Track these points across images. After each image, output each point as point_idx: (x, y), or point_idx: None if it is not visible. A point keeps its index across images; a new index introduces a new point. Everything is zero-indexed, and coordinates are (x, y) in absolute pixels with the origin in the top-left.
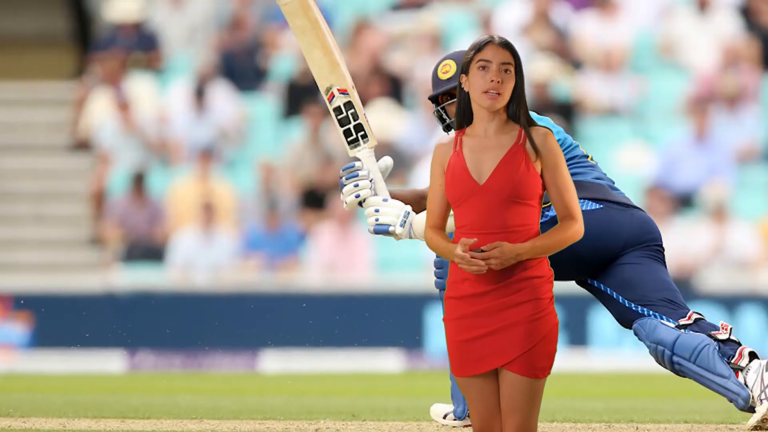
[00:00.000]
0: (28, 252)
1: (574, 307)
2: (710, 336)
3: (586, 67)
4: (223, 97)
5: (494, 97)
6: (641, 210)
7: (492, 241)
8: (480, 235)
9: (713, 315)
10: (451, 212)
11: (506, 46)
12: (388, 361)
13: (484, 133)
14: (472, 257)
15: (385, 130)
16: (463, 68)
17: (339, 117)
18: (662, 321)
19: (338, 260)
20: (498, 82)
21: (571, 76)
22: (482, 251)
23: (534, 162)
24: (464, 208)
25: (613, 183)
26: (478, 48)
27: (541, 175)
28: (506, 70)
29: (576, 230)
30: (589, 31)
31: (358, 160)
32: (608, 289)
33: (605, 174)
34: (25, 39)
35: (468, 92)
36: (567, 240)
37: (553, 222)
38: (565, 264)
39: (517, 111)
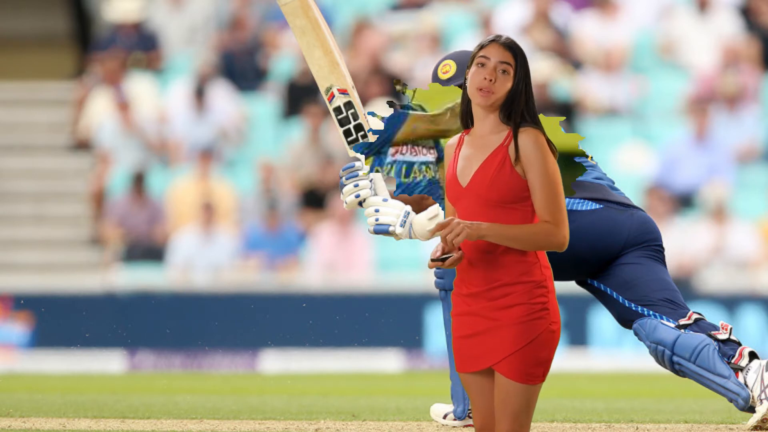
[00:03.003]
0: (28, 252)
1: (574, 307)
2: (710, 336)
3: (586, 67)
4: (223, 97)
5: (485, 95)
6: (641, 210)
7: (478, 245)
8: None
9: (713, 315)
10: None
11: (509, 46)
12: (388, 361)
13: (479, 133)
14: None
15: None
16: (468, 64)
17: (339, 117)
18: (662, 321)
19: (338, 260)
20: (490, 80)
21: (571, 76)
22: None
23: (515, 164)
24: (457, 210)
25: (613, 183)
26: (482, 45)
27: None
28: (504, 71)
29: (552, 234)
30: (589, 31)
31: (358, 160)
32: (608, 289)
33: (605, 174)
34: (25, 39)
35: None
36: (539, 239)
37: None
38: (565, 264)
39: (509, 112)
